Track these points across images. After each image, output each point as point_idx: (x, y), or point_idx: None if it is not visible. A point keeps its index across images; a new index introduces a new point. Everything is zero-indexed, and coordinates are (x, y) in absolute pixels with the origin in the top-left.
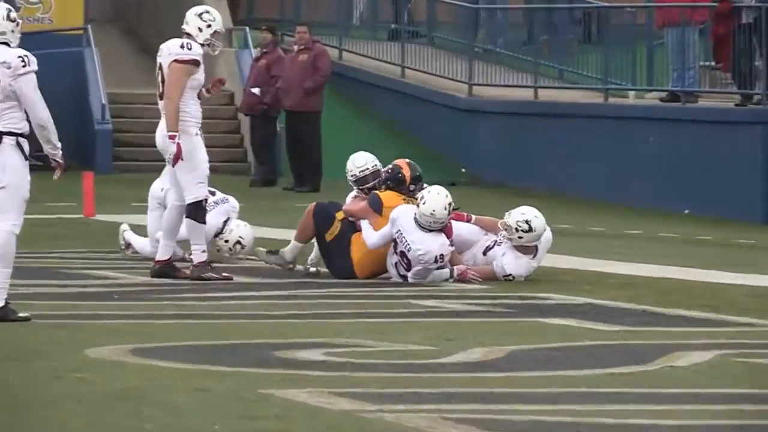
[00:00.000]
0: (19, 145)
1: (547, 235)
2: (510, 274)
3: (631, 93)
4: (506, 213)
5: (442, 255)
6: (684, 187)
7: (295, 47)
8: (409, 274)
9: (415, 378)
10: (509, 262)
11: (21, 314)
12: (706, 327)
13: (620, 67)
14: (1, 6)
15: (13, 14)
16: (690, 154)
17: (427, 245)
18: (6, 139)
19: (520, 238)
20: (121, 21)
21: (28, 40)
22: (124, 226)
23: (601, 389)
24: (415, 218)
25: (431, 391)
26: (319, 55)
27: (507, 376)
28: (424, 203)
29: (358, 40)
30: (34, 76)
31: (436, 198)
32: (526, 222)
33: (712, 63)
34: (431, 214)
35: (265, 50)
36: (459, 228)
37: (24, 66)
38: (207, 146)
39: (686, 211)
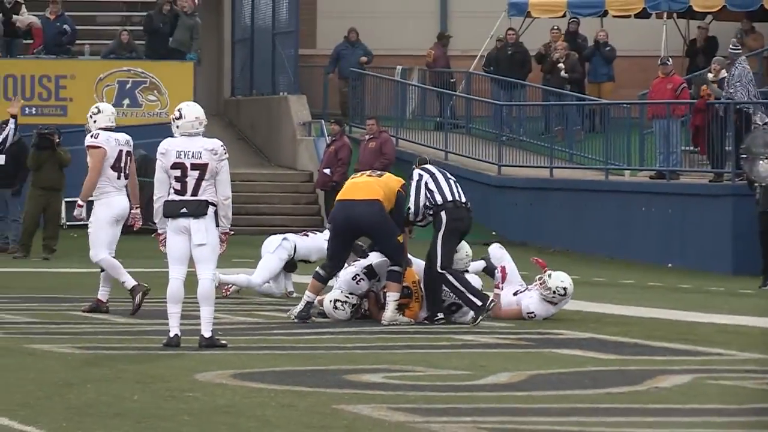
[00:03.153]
0: (215, 212)
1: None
2: (533, 312)
3: (627, 172)
4: (547, 273)
5: None
6: (668, 246)
7: (366, 136)
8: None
9: (455, 396)
10: (535, 303)
11: (222, 341)
12: (685, 356)
13: (618, 151)
14: (198, 106)
15: None
16: (673, 219)
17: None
18: (210, 208)
19: (553, 297)
20: (224, 116)
21: (150, 131)
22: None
23: (601, 405)
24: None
25: (468, 407)
26: (385, 142)
27: (528, 394)
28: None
29: (411, 130)
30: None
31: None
32: (564, 289)
33: (692, 147)
34: (466, 254)
35: (334, 138)
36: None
37: (225, 153)
38: (290, 215)
39: (670, 265)
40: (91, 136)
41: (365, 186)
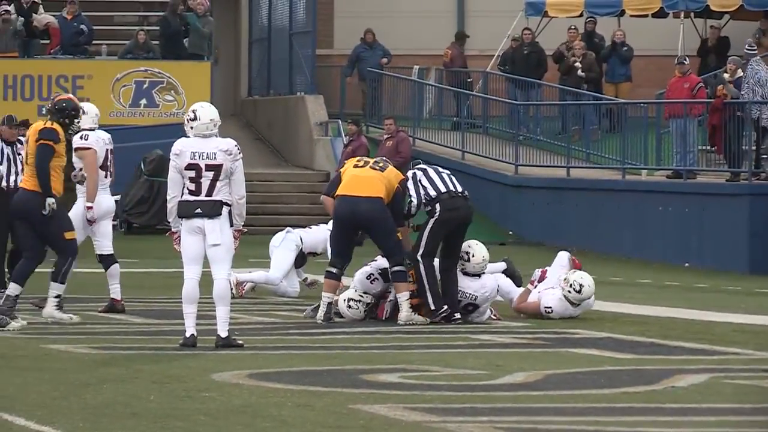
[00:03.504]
0: (230, 212)
1: (591, 301)
2: (550, 307)
3: (644, 171)
4: (573, 270)
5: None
6: (685, 246)
7: (384, 136)
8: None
9: (471, 396)
10: (555, 299)
11: (238, 341)
12: (701, 355)
13: (635, 151)
14: (213, 107)
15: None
16: (690, 219)
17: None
18: (224, 208)
19: (569, 293)
20: (241, 116)
21: (167, 131)
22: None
23: (617, 404)
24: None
25: (484, 406)
26: (401, 141)
27: (544, 394)
28: (473, 255)
29: (428, 130)
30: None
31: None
32: (580, 285)
33: (708, 147)
34: (483, 259)
35: (351, 139)
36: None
37: (239, 152)
38: (307, 214)
39: (686, 264)
40: (81, 137)
41: (368, 181)
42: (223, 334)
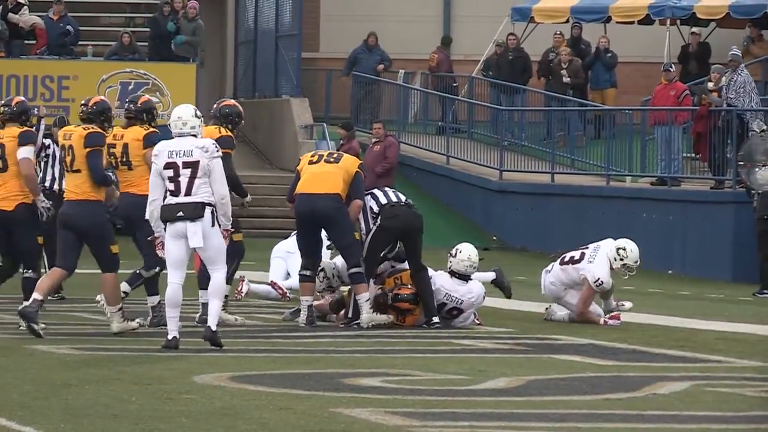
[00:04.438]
0: (213, 213)
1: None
2: (599, 279)
3: (628, 178)
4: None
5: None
6: (668, 253)
7: (373, 140)
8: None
9: (452, 401)
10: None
11: (221, 341)
12: (683, 363)
13: (619, 157)
14: (189, 107)
15: (198, 113)
16: (674, 226)
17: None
18: (206, 210)
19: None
20: None
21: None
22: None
23: (598, 411)
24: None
25: (465, 411)
26: (389, 146)
27: (525, 400)
28: (460, 252)
29: (413, 134)
30: (221, 159)
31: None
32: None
33: (693, 154)
34: (468, 258)
35: (342, 142)
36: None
37: (217, 150)
38: (292, 218)
39: (670, 272)
40: None
41: (325, 177)
42: (213, 327)
